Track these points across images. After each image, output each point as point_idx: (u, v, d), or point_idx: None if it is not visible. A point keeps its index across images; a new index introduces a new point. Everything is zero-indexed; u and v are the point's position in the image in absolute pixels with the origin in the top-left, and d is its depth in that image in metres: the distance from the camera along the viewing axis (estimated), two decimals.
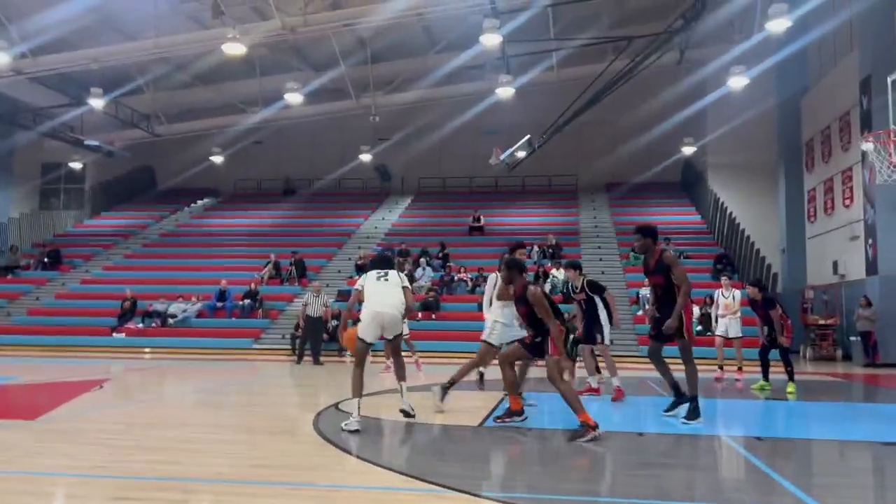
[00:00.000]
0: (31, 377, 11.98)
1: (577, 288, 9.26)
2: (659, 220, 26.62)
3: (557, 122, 21.69)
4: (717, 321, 13.13)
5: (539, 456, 5.79)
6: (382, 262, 7.44)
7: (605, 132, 29.50)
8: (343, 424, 6.33)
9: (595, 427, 5.97)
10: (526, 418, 6.91)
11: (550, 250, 23.18)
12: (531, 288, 6.61)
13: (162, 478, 4.46)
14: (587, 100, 20.09)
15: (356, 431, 6.20)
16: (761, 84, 22.81)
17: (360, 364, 6.77)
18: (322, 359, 16.27)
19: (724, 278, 13.89)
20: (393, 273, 7.13)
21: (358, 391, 6.56)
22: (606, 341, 9.21)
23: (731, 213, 24.19)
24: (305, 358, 16.30)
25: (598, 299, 9.14)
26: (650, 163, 28.58)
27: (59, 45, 21.43)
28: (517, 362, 7.36)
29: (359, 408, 6.45)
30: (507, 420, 6.83)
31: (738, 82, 21.35)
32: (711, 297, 14.27)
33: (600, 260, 23.37)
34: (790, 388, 10.20)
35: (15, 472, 4.58)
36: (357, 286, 7.11)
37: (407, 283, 7.11)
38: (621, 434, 6.64)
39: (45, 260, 25.42)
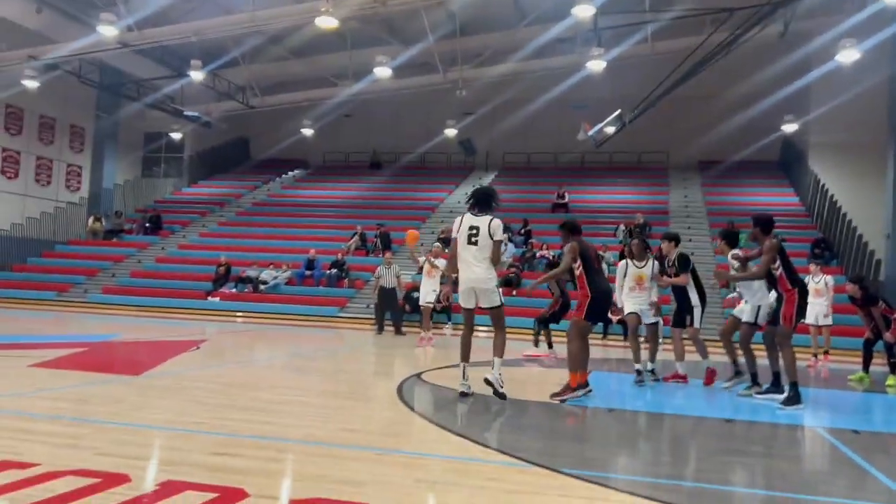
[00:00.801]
0: (133, 335, 12.74)
1: (671, 262, 8.79)
2: (754, 200, 25.65)
3: (649, 97, 21.06)
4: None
5: (621, 436, 5.75)
6: (479, 200, 6.77)
7: (699, 108, 28.43)
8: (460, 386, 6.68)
9: (575, 389, 6.59)
10: (590, 391, 6.80)
11: (637, 230, 22.66)
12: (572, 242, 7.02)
13: (258, 436, 4.68)
14: (682, 74, 19.40)
15: (464, 395, 6.54)
16: (872, 58, 21.40)
17: (467, 327, 6.96)
18: (404, 329, 16.56)
19: (812, 264, 13.48)
20: (484, 227, 6.55)
21: (464, 355, 6.74)
22: (696, 324, 8.67)
23: (832, 196, 22.98)
24: (387, 329, 16.64)
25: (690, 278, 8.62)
26: (747, 141, 27.40)
27: (161, 19, 22.34)
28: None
29: (464, 372, 6.65)
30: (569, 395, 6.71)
31: (847, 56, 20.07)
32: None
33: (690, 241, 22.64)
34: (890, 380, 9.74)
35: (122, 424, 4.89)
36: (453, 232, 6.76)
37: (500, 236, 6.60)
38: (708, 420, 6.50)
39: (147, 225, 26.81)
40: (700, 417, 6.65)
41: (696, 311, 8.66)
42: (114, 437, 4.47)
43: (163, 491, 3.36)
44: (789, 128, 26.90)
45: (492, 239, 6.57)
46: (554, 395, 6.76)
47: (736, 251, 8.24)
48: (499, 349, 6.65)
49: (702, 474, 4.46)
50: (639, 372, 8.55)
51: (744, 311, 8.18)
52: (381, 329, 16.60)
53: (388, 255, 18.57)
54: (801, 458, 5.35)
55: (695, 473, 4.51)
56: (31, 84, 24.12)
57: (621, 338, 16.96)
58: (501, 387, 6.52)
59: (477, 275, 6.56)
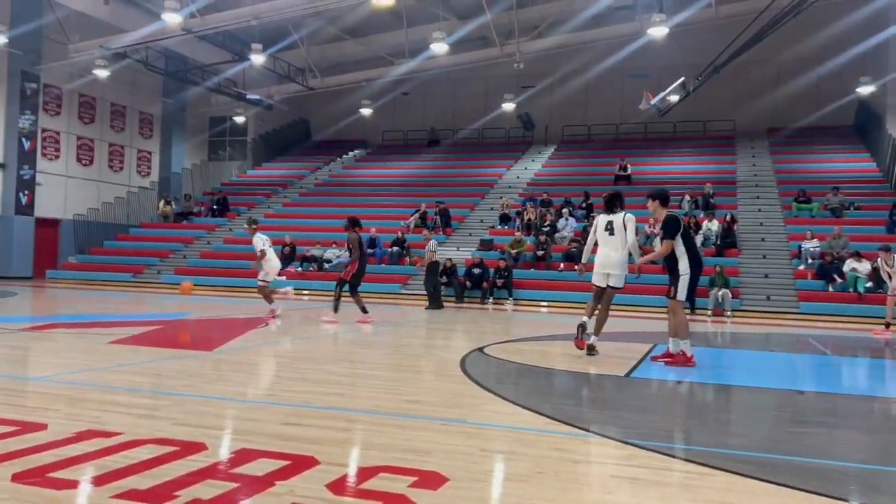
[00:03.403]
0: (204, 313, 13.18)
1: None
2: (827, 167, 24.66)
3: (715, 62, 20.39)
4: (890, 278, 12.52)
5: (689, 408, 5.67)
6: (610, 201, 7.90)
7: (766, 72, 27.44)
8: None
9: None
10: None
11: (702, 200, 22.12)
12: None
13: (326, 407, 4.81)
14: (749, 37, 18.68)
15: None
16: None
17: (595, 301, 7.89)
18: (464, 303, 16.64)
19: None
20: (618, 219, 7.74)
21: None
22: (680, 296, 7.30)
23: None
24: (448, 304, 16.81)
25: (681, 243, 7.29)
26: (818, 105, 26.29)
27: (222, 4, 22.77)
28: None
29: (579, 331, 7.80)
30: None
31: None
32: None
33: (759, 210, 22.04)
34: None
35: (198, 396, 5.10)
36: (593, 230, 8.01)
37: (632, 225, 7.66)
38: (779, 391, 6.34)
39: (214, 207, 27.57)
40: (769, 389, 6.49)
41: (682, 283, 7.29)
42: (189, 409, 4.67)
43: (237, 458, 3.50)
44: (865, 89, 25.64)
45: (625, 229, 7.74)
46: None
47: None
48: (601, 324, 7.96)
49: (769, 444, 4.37)
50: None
51: None
52: (432, 303, 16.81)
53: (425, 232, 19.05)
54: (878, 429, 5.18)
55: (762, 443, 4.42)
56: (102, 73, 24.98)
57: (687, 311, 16.66)
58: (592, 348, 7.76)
59: (612, 259, 7.79)
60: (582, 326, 7.72)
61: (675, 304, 7.38)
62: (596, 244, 7.96)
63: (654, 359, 7.64)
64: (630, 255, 7.81)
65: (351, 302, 11.78)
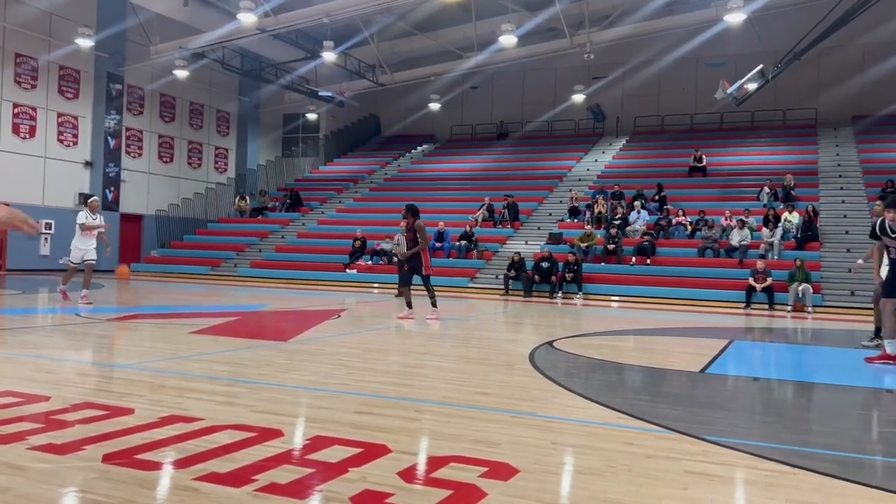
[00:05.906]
0: (280, 305, 13.54)
1: (892, 230, 7.65)
2: None
3: (795, 48, 19.59)
4: None
5: (767, 405, 5.49)
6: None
7: (851, 57, 26.21)
8: None
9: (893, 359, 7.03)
10: None
11: (782, 192, 21.32)
12: None
13: (398, 397, 4.88)
14: (833, 21, 17.87)
15: None
16: None
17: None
18: (532, 297, 16.50)
19: None
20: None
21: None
22: (888, 294, 7.45)
23: None
24: (516, 298, 16.69)
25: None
26: None
27: (294, 3, 23.27)
28: None
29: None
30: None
31: None
32: None
33: (842, 202, 21.09)
34: None
35: (273, 384, 5.25)
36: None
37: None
38: (866, 389, 6.07)
39: (289, 202, 28.26)
40: (854, 387, 6.21)
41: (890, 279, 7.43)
42: (266, 396, 4.81)
43: (312, 445, 3.59)
44: None
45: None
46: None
47: None
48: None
49: (856, 445, 4.18)
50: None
51: None
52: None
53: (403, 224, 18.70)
54: None
55: (849, 443, 4.23)
56: (182, 73, 25.93)
57: (766, 306, 16.22)
58: None
59: None
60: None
61: (885, 303, 7.43)
62: None
63: (869, 360, 7.46)
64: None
65: (424, 295, 11.68)
